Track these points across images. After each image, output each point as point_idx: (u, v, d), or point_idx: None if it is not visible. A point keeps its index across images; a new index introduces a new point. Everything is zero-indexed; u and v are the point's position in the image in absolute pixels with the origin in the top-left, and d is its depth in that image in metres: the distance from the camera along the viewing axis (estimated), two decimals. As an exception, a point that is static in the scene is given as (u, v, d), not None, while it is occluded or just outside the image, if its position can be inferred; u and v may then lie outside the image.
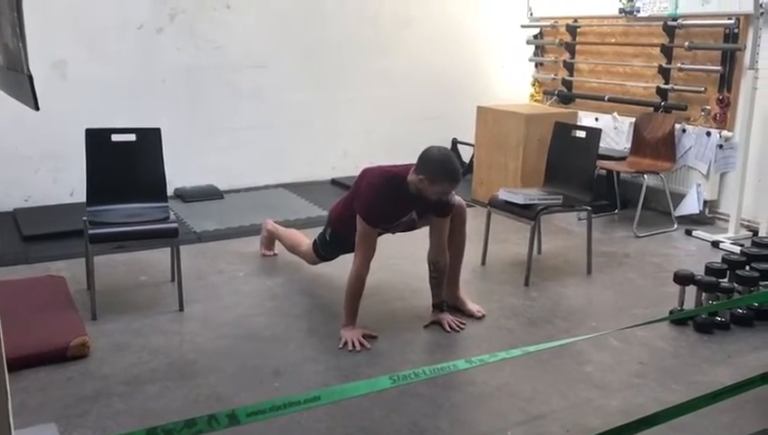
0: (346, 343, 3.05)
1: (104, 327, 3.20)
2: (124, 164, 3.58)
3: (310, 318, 3.39)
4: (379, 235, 3.23)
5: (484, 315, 3.40)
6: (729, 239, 4.58)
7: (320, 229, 3.67)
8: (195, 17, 5.38)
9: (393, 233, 3.36)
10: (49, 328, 3.03)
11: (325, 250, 3.64)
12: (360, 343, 3.05)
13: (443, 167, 3.00)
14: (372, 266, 3.14)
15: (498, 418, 2.55)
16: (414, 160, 3.10)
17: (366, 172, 3.25)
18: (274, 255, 4.22)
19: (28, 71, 1.18)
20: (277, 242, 4.19)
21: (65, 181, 4.98)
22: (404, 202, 3.15)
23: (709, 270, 3.48)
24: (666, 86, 5.29)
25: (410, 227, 3.33)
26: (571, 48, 6.16)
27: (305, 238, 3.89)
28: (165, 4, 5.25)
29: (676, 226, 4.98)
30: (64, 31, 4.88)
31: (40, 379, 2.74)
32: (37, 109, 1.15)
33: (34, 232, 4.38)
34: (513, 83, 6.70)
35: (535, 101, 6.62)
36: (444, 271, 3.32)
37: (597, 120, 5.73)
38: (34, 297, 3.40)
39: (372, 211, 3.10)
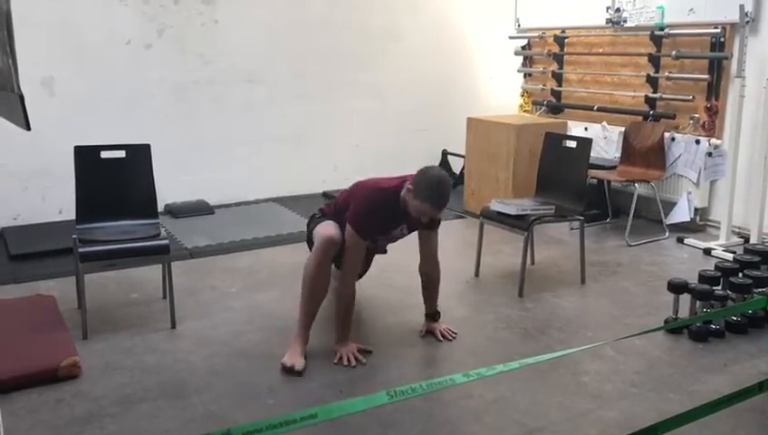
0: (341, 359, 3.03)
1: (95, 346, 3.16)
2: (114, 181, 3.55)
3: (304, 333, 3.36)
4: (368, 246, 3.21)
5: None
6: (721, 247, 4.59)
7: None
8: (183, 32, 5.36)
9: (383, 250, 3.34)
10: (39, 348, 2.98)
11: (312, 224, 3.30)
12: (356, 358, 3.03)
13: (432, 187, 2.91)
14: (365, 281, 3.13)
15: (496, 432, 2.53)
16: (405, 172, 3.10)
17: (360, 185, 3.23)
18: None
19: (19, 90, 1.14)
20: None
21: (54, 199, 4.93)
22: (396, 216, 3.14)
23: (703, 278, 3.49)
24: (654, 95, 5.32)
25: (398, 238, 3.33)
26: (559, 58, 6.19)
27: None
28: (153, 19, 5.23)
29: (667, 234, 4.99)
30: (51, 47, 4.85)
31: (30, 401, 2.69)
32: (29, 129, 1.11)
33: (23, 251, 4.33)
34: (502, 94, 6.73)
35: (525, 111, 6.64)
36: (435, 282, 3.35)
37: (586, 129, 5.75)
38: (24, 317, 3.35)
39: (364, 223, 3.08)
